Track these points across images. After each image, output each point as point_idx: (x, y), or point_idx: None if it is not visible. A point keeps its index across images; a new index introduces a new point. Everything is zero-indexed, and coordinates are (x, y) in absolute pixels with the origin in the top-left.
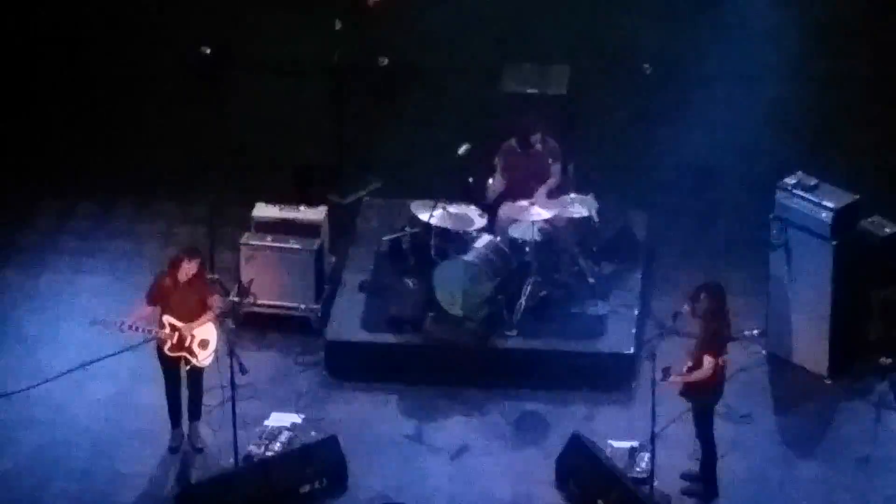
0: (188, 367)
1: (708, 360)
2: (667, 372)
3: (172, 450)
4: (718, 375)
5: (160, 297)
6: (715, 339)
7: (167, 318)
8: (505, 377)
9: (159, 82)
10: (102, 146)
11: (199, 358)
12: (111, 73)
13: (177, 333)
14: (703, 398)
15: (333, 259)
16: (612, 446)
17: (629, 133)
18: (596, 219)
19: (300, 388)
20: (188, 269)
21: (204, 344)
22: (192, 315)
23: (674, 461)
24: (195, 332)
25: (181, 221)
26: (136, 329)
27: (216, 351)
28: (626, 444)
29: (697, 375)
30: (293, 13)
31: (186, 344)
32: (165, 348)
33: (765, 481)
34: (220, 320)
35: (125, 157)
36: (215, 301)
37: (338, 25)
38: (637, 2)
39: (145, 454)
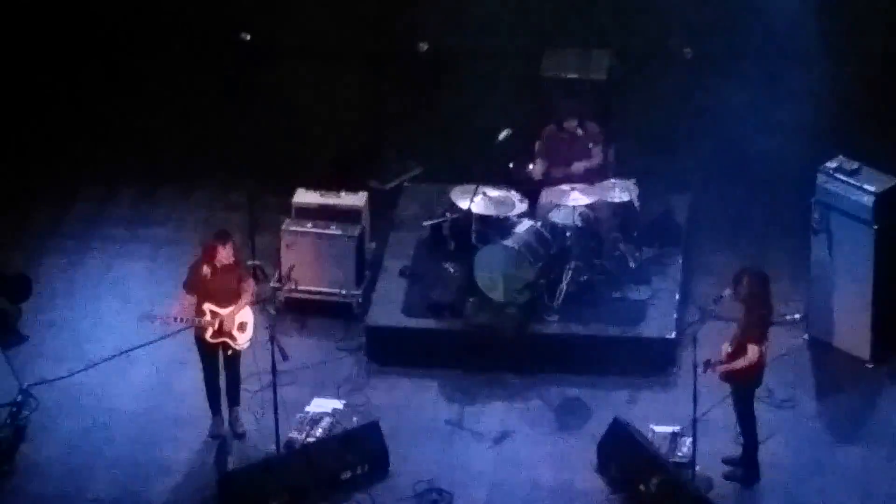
0: (229, 353)
1: (752, 348)
2: (708, 364)
3: (213, 436)
4: (760, 360)
5: (198, 286)
6: (757, 324)
7: (208, 306)
8: (546, 362)
9: (200, 69)
10: (143, 133)
11: (239, 341)
12: (152, 61)
13: (218, 320)
14: (744, 383)
15: (374, 245)
16: (653, 431)
17: (670, 117)
18: (637, 203)
19: (341, 373)
20: (225, 253)
21: (242, 327)
22: (230, 300)
23: (715, 446)
24: (235, 317)
25: (222, 208)
26: (182, 320)
27: (255, 338)
28: (668, 429)
29: (742, 363)
30: None
31: (226, 329)
32: (207, 335)
33: (806, 466)
34: (260, 306)
35: (166, 144)
36: (250, 283)
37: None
38: None
39: (186, 440)
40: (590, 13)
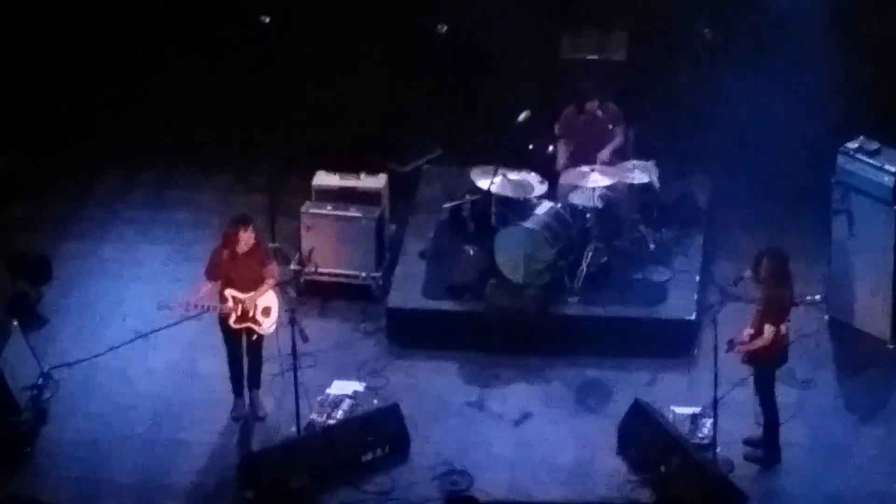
0: (254, 338)
1: (768, 328)
2: (731, 344)
3: (235, 419)
4: (781, 342)
5: (220, 272)
6: (777, 304)
7: (229, 292)
8: (566, 344)
9: (220, 52)
10: (162, 117)
11: (264, 326)
12: (170, 44)
13: (240, 306)
14: (765, 364)
15: (394, 227)
16: (674, 412)
17: (689, 98)
18: (657, 185)
19: (362, 356)
20: (246, 238)
21: (266, 311)
22: (252, 284)
23: (736, 427)
24: (257, 301)
25: (241, 191)
26: (201, 307)
27: (278, 318)
28: (689, 410)
29: (758, 343)
30: None
31: (250, 314)
32: (230, 321)
33: (827, 446)
34: (281, 289)
35: (184, 127)
36: (273, 268)
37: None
38: None
39: (207, 423)
40: None
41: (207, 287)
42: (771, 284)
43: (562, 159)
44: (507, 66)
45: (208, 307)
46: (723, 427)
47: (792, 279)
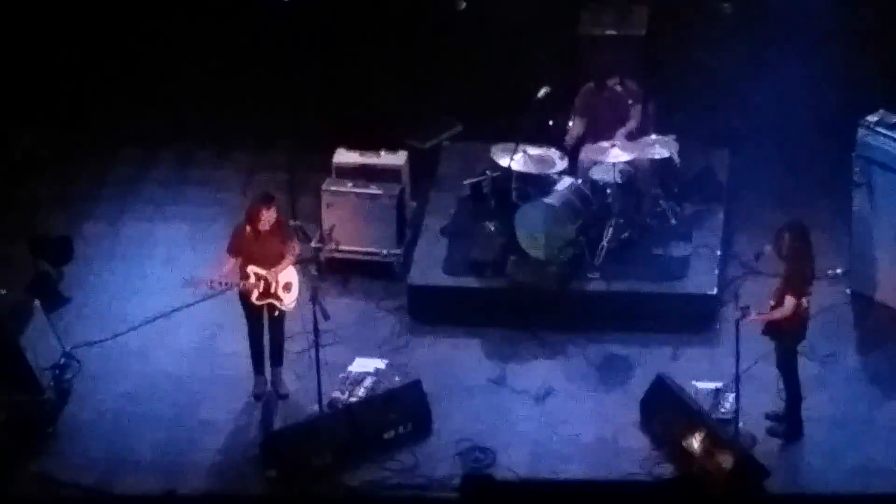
0: (276, 314)
1: (789, 300)
2: (746, 310)
3: (256, 397)
4: (802, 315)
5: (242, 249)
6: (798, 278)
7: (252, 269)
8: (587, 320)
9: (238, 30)
10: (181, 95)
11: (285, 302)
12: (191, 23)
13: (262, 282)
14: (787, 338)
15: (414, 204)
16: (696, 387)
17: (709, 73)
18: (677, 159)
19: (383, 333)
20: (268, 216)
21: (287, 287)
22: (273, 262)
23: (758, 401)
24: (279, 277)
25: (262, 168)
26: (224, 284)
27: (299, 295)
28: (711, 385)
29: (777, 314)
30: None
31: (272, 290)
32: (253, 298)
33: (849, 420)
34: (302, 266)
35: (205, 105)
36: (294, 245)
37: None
38: None
39: (229, 401)
40: None
41: (230, 263)
42: (793, 259)
43: (572, 135)
44: (526, 42)
45: (231, 284)
46: (745, 402)
47: (813, 253)
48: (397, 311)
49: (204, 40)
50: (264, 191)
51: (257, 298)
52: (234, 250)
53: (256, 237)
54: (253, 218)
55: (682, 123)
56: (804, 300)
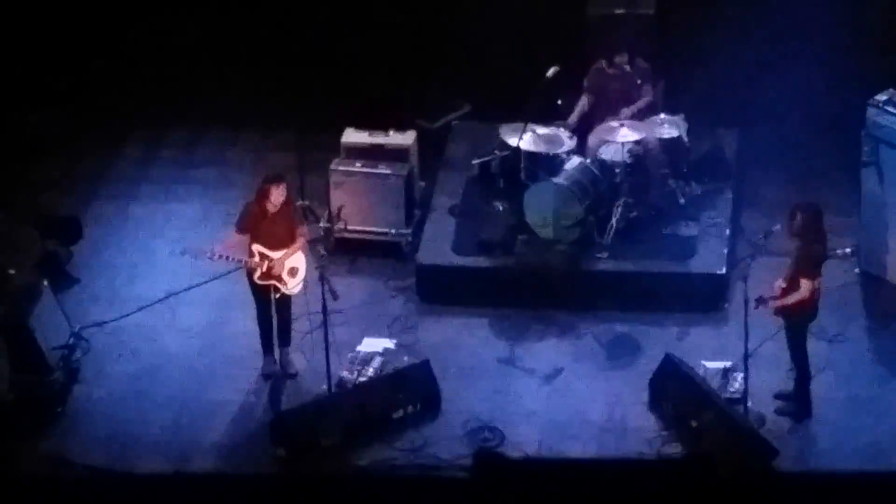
0: (278, 295)
1: (805, 283)
2: (760, 300)
3: (265, 377)
4: (814, 295)
5: (250, 226)
6: (811, 259)
7: (257, 247)
8: (596, 299)
9: (247, 12)
10: (190, 75)
11: (289, 286)
12: (200, 4)
13: (266, 262)
14: (797, 318)
15: (423, 184)
16: (704, 367)
17: (718, 52)
18: (686, 139)
19: (392, 313)
20: (277, 194)
21: (293, 272)
22: (281, 243)
23: (767, 381)
24: (285, 262)
25: (270, 149)
26: (227, 258)
27: (305, 279)
28: (720, 365)
29: (794, 298)
30: None
31: (276, 273)
32: (255, 276)
33: (858, 400)
34: (310, 247)
35: (213, 85)
36: (304, 229)
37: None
38: None
39: (238, 381)
40: None
41: (236, 239)
42: (805, 239)
43: (576, 114)
44: (535, 22)
45: (233, 258)
46: (754, 381)
47: (825, 234)
48: (406, 291)
49: (213, 20)
50: (275, 171)
51: (259, 278)
52: (242, 227)
53: (265, 217)
54: (263, 196)
55: (691, 103)
56: (817, 281)
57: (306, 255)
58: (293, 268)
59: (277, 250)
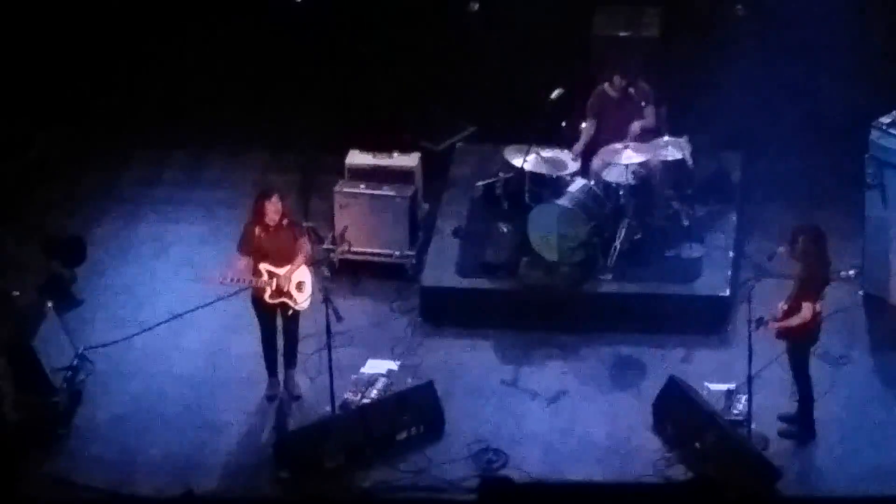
0: (289, 313)
1: (807, 306)
2: (760, 321)
3: (269, 398)
4: (816, 318)
5: (252, 246)
6: (813, 282)
7: (264, 266)
8: (600, 321)
9: (253, 33)
10: (194, 96)
11: (298, 301)
12: (203, 24)
13: (275, 280)
14: (799, 340)
15: (427, 205)
16: (708, 389)
17: (722, 75)
18: (690, 161)
19: (396, 334)
20: (272, 209)
21: (300, 286)
22: (285, 259)
23: (771, 403)
24: (291, 276)
25: (275, 170)
26: (236, 281)
27: (312, 295)
28: (723, 387)
29: (796, 321)
30: None
31: (285, 289)
32: (266, 296)
33: (862, 422)
34: (314, 268)
35: (217, 106)
36: (305, 242)
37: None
38: None
39: (242, 403)
40: None
41: (242, 262)
42: (808, 262)
43: (581, 143)
44: (539, 44)
45: (243, 281)
46: (757, 403)
47: (828, 255)
48: (410, 313)
49: (217, 41)
50: (267, 187)
51: (270, 297)
52: (243, 249)
53: (266, 233)
54: (258, 213)
55: (695, 125)
56: (818, 304)
57: (310, 265)
58: (300, 282)
59: (283, 266)
